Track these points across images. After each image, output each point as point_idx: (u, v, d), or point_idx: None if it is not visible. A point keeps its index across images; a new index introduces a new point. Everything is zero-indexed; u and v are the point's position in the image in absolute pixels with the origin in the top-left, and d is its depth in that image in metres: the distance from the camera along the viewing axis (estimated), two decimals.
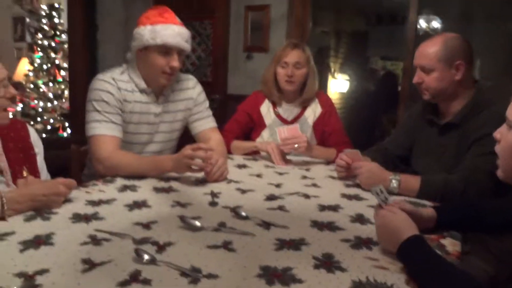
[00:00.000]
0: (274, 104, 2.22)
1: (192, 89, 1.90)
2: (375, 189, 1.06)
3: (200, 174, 1.57)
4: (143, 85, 1.75)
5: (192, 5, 4.32)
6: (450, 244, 1.07)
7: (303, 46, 2.16)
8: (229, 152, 2.07)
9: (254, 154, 2.13)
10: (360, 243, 1.05)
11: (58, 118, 4.55)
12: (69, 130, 4.50)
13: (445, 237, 1.11)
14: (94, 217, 1.17)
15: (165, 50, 1.65)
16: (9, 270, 0.85)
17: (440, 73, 1.59)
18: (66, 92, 4.53)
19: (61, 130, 4.51)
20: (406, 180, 1.49)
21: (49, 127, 4.45)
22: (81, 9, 3.89)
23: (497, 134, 1.09)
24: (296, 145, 1.90)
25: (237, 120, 2.22)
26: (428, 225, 1.12)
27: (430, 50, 1.60)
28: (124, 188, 1.45)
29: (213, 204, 1.33)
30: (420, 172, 1.65)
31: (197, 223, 1.11)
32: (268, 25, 4.07)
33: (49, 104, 4.55)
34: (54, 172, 1.59)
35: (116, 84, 1.69)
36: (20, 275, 0.84)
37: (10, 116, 1.38)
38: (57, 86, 4.58)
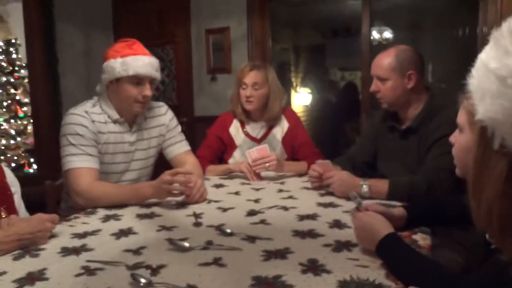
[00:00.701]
0: (243, 124, 2.30)
1: (164, 116, 1.95)
2: (352, 193, 1.16)
3: (180, 198, 1.62)
4: (115, 115, 1.79)
5: (152, 31, 4.38)
6: (421, 239, 1.17)
7: (263, 67, 2.25)
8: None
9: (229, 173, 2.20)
10: (340, 246, 1.13)
11: (23, 154, 4.44)
12: (35, 166, 4.39)
13: (416, 232, 1.22)
14: (83, 248, 1.19)
15: (137, 80, 1.70)
16: None
17: (394, 82, 1.74)
18: (30, 128, 4.44)
19: (27, 167, 4.40)
20: (375, 184, 1.60)
21: (13, 165, 4.34)
22: (40, 42, 3.85)
23: (452, 138, 1.21)
24: (267, 164, 1.98)
25: (208, 146, 2.27)
26: (400, 223, 1.22)
27: (384, 61, 1.75)
28: (107, 218, 1.47)
29: (197, 224, 1.38)
30: (387, 175, 1.76)
31: (186, 244, 1.16)
32: (229, 46, 4.18)
33: (12, 141, 4.44)
34: (29, 208, 1.59)
35: (89, 117, 1.72)
36: None
37: None
38: (19, 122, 4.49)
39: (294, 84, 6.25)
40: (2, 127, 4.45)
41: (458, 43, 4.97)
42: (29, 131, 4.46)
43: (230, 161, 2.27)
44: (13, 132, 4.44)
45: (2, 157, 4.35)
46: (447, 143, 1.31)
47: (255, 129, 2.29)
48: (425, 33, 5.26)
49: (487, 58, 0.52)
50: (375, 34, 5.69)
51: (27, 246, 1.19)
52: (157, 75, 1.76)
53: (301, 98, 6.35)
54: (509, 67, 0.49)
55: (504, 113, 0.49)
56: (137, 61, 1.68)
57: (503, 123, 0.49)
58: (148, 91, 1.73)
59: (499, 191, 0.51)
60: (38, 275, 1.02)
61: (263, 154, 2.01)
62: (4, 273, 1.04)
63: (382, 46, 1.78)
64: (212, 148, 2.26)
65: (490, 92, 0.51)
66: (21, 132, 4.46)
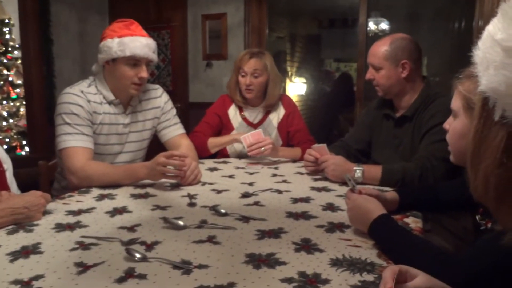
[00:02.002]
0: (240, 108, 2.31)
1: (159, 98, 1.95)
2: (347, 176, 1.18)
3: (174, 180, 1.62)
4: (111, 96, 1.78)
5: (149, 16, 4.35)
6: (413, 222, 1.19)
7: (262, 54, 2.25)
8: (206, 151, 2.13)
9: (223, 156, 2.21)
10: (333, 227, 1.15)
11: (15, 136, 4.41)
12: (27, 148, 4.37)
13: (407, 216, 1.24)
14: (78, 225, 1.20)
15: (134, 61, 1.69)
16: (3, 279, 0.88)
17: (387, 71, 1.75)
18: (22, 110, 4.40)
19: (19, 149, 4.38)
20: (369, 170, 1.61)
21: (5, 147, 4.30)
22: (34, 24, 3.81)
23: (446, 125, 1.23)
24: (262, 148, 1.99)
25: (208, 122, 2.28)
26: (392, 207, 1.24)
27: (378, 50, 1.76)
28: (101, 197, 1.47)
29: (191, 205, 1.38)
30: (381, 163, 1.78)
31: (180, 222, 1.16)
32: (225, 33, 4.16)
33: (4, 123, 4.41)
34: (22, 190, 1.58)
35: (85, 97, 1.71)
36: (16, 282, 0.86)
37: None
38: (11, 103, 4.45)
39: (289, 73, 6.24)
40: None
41: (454, 36, 4.99)
42: (21, 113, 4.43)
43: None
44: (5, 114, 4.41)
45: None
46: (441, 131, 1.33)
47: (252, 114, 2.30)
48: (422, 26, 5.27)
49: (494, 30, 0.53)
50: (371, 25, 5.69)
51: (21, 221, 1.19)
52: (154, 56, 1.75)
53: (296, 88, 6.35)
54: None
55: (507, 84, 0.50)
56: (134, 42, 1.67)
57: (505, 94, 0.50)
58: (144, 73, 1.72)
59: (497, 160, 0.53)
60: (32, 249, 1.02)
61: (258, 139, 2.02)
62: None
63: (379, 37, 1.80)
64: (211, 124, 2.27)
65: (494, 63, 0.51)
66: (13, 114, 4.43)
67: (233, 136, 2.18)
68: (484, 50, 0.54)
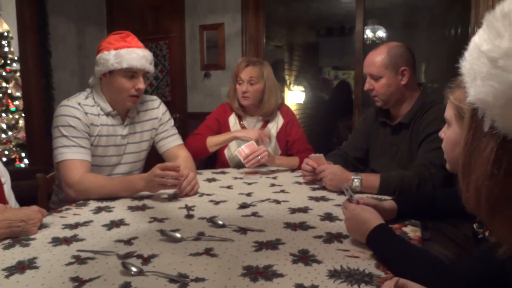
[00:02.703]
0: (240, 117, 2.32)
1: (156, 109, 1.95)
2: (344, 185, 1.18)
3: (172, 191, 1.62)
4: (108, 108, 1.78)
5: (147, 27, 4.37)
6: (411, 231, 1.18)
7: (259, 62, 2.27)
8: (206, 151, 2.14)
9: (222, 166, 2.20)
10: (331, 237, 1.14)
11: (14, 149, 4.41)
12: (26, 161, 4.36)
13: (406, 225, 1.23)
14: (74, 239, 1.19)
15: (131, 73, 1.70)
16: None
17: (387, 80, 1.75)
18: (21, 122, 4.41)
19: (18, 161, 4.37)
20: (367, 178, 1.61)
21: (4, 159, 4.30)
22: (33, 36, 3.82)
23: (441, 133, 1.23)
24: (259, 157, 1.99)
25: (208, 126, 2.29)
26: (390, 216, 1.23)
27: (376, 59, 1.75)
28: (98, 210, 1.47)
29: (189, 216, 1.38)
30: (378, 171, 1.78)
31: (177, 235, 1.16)
32: (223, 43, 4.17)
33: (3, 135, 4.41)
34: (20, 202, 1.58)
35: (82, 109, 1.71)
36: None
37: None
38: (10, 116, 4.45)
39: (288, 82, 6.25)
40: None
41: (450, 43, 5.01)
42: (20, 125, 4.43)
43: (226, 151, 2.28)
44: (4, 126, 4.41)
45: None
46: (438, 139, 1.32)
47: (251, 123, 2.31)
48: (419, 32, 5.30)
49: (480, 41, 0.53)
50: (368, 33, 5.72)
51: (17, 235, 1.19)
52: (151, 68, 1.76)
53: (294, 96, 6.36)
54: (500, 48, 0.49)
55: (494, 95, 0.50)
56: (131, 54, 1.67)
57: (493, 104, 0.50)
58: (141, 84, 1.72)
59: (488, 172, 0.52)
60: (28, 264, 1.02)
61: (253, 149, 2.03)
62: None
63: (376, 45, 1.80)
64: (211, 128, 2.28)
65: (481, 74, 0.51)
66: (12, 126, 4.42)
67: (232, 134, 2.18)
68: (471, 61, 0.54)
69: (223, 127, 2.30)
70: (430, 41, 4.99)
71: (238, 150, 2.05)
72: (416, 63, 1.80)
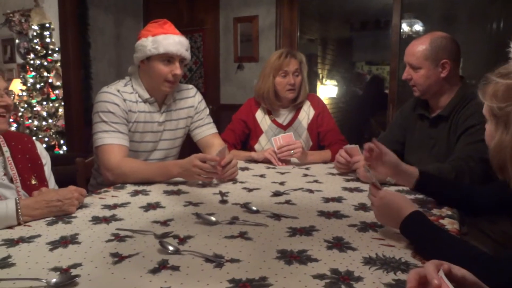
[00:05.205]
0: (269, 111, 2.30)
1: (192, 98, 1.98)
2: (366, 168, 1.19)
3: (206, 181, 1.63)
4: (146, 95, 1.82)
5: (182, 19, 4.43)
6: (449, 223, 1.15)
7: (298, 54, 2.24)
8: None
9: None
10: (366, 227, 1.13)
11: (53, 136, 4.58)
12: (65, 148, 4.52)
13: (443, 217, 1.20)
14: (113, 218, 1.23)
15: (167, 58, 1.73)
16: (43, 266, 0.91)
17: (426, 71, 1.70)
18: (60, 110, 4.57)
19: (57, 148, 4.54)
20: None
21: (44, 145, 4.47)
22: (73, 28, 3.95)
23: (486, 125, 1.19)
24: (292, 151, 1.99)
25: (232, 130, 2.29)
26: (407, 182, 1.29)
27: (417, 49, 1.71)
28: (135, 193, 1.51)
29: (223, 202, 1.40)
30: (414, 164, 1.73)
31: (212, 218, 1.18)
32: (257, 35, 4.18)
33: (43, 123, 4.58)
34: (59, 186, 1.64)
35: (121, 96, 1.76)
36: (55, 269, 0.89)
37: (11, 126, 1.43)
38: (50, 104, 4.62)
39: (321, 76, 6.20)
40: (34, 109, 4.59)
41: (491, 37, 4.82)
42: (60, 113, 4.59)
43: (256, 146, 2.28)
44: (45, 114, 4.58)
45: (34, 138, 4.49)
46: (479, 132, 1.29)
47: (281, 115, 2.29)
48: (457, 27, 5.12)
49: None
50: (405, 27, 5.58)
51: (56, 213, 1.24)
52: (187, 54, 1.79)
53: (327, 90, 6.30)
54: None
55: None
56: (167, 39, 1.71)
57: None
58: (178, 70, 1.75)
59: None
60: (70, 239, 1.06)
61: (289, 141, 2.02)
62: (38, 236, 1.09)
63: (412, 39, 1.75)
64: (236, 132, 2.28)
65: None
66: (52, 114, 4.59)
67: (250, 154, 2.16)
68: None
69: (250, 125, 2.29)
70: (469, 36, 4.82)
71: (274, 138, 2.05)
72: (460, 55, 1.74)
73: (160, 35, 1.71)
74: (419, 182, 1.30)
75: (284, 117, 2.29)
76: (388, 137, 1.99)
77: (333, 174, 1.82)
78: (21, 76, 4.86)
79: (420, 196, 1.41)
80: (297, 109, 2.29)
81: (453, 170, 1.52)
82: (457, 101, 1.70)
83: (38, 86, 4.57)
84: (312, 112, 2.29)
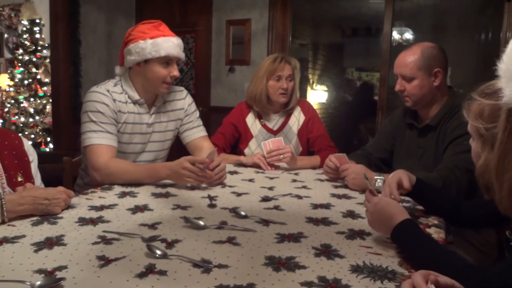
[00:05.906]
0: (259, 115, 2.31)
1: (183, 100, 1.97)
2: (365, 175, 1.18)
3: (194, 184, 1.63)
4: (136, 96, 1.81)
5: (174, 19, 4.41)
6: (435, 232, 1.17)
7: (292, 59, 2.25)
8: None
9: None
10: (353, 234, 1.14)
11: (40, 133, 4.52)
12: (51, 145, 4.46)
13: (430, 226, 1.22)
14: (100, 220, 1.22)
15: (166, 61, 1.74)
16: (28, 268, 0.90)
17: (420, 81, 1.72)
18: (48, 107, 4.51)
19: (43, 145, 4.48)
20: None
21: (30, 142, 4.41)
22: (64, 24, 3.91)
23: (471, 141, 1.20)
24: (281, 156, 1.99)
25: (222, 133, 2.28)
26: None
27: (409, 60, 1.72)
28: (123, 195, 1.50)
29: (211, 206, 1.39)
30: None
31: (201, 222, 1.17)
32: (249, 38, 4.19)
33: (30, 119, 4.52)
34: (45, 184, 1.62)
35: (111, 96, 1.75)
36: (40, 271, 0.88)
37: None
38: (38, 101, 4.55)
39: (311, 81, 6.23)
40: (22, 105, 4.53)
41: (480, 47, 4.90)
42: (47, 110, 4.53)
43: (246, 151, 2.28)
44: (32, 110, 4.52)
45: (20, 134, 4.43)
46: (465, 142, 1.30)
47: (272, 120, 2.30)
48: (447, 36, 5.20)
49: None
50: (395, 35, 5.64)
51: (41, 212, 1.22)
52: (183, 55, 1.82)
53: (317, 95, 6.34)
54: None
55: None
56: (167, 43, 1.71)
57: None
58: (176, 71, 1.78)
59: None
60: (56, 240, 1.05)
61: (278, 146, 2.02)
62: (23, 236, 1.07)
63: (402, 47, 1.77)
64: (226, 136, 2.27)
65: None
66: (40, 111, 4.53)
67: (239, 158, 2.15)
68: (508, 63, 0.54)
69: (241, 129, 2.28)
70: (458, 45, 4.89)
71: (263, 143, 2.05)
72: (448, 64, 1.77)
73: (159, 37, 1.71)
74: (415, 189, 1.31)
75: (275, 122, 2.30)
76: (376, 144, 2.01)
77: (321, 180, 1.82)
78: (8, 71, 4.79)
79: (407, 205, 1.42)
80: (288, 114, 2.29)
81: (441, 179, 1.54)
82: (445, 111, 1.72)
83: (26, 82, 4.51)
84: (302, 118, 2.30)
